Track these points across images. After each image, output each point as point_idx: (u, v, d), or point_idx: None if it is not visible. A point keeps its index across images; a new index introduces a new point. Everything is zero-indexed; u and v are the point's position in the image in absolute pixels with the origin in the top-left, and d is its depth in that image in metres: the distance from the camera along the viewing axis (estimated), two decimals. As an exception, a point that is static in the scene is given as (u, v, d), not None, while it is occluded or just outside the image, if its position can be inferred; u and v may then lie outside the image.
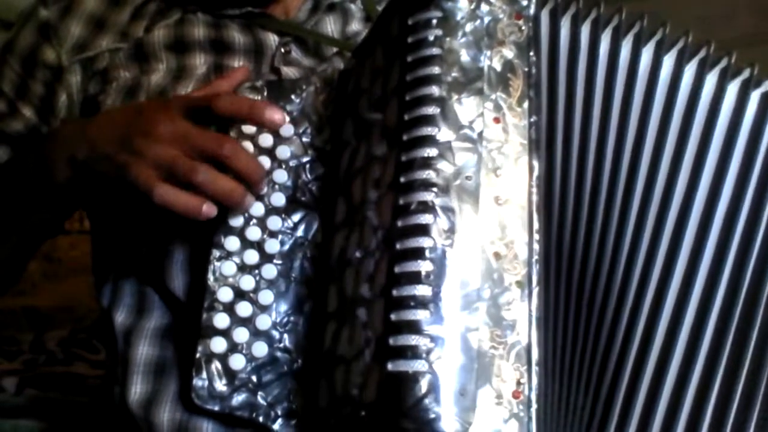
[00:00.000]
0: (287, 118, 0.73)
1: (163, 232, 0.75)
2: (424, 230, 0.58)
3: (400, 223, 0.59)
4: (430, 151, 0.60)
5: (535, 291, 0.59)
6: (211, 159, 0.66)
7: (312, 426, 0.68)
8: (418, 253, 0.58)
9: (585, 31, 0.68)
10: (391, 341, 0.57)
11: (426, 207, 0.59)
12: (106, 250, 0.84)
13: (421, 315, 0.56)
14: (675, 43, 0.68)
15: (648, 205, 0.64)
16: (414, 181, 0.59)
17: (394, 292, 0.58)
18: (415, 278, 0.57)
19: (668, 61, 0.67)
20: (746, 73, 0.69)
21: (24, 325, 1.83)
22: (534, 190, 0.61)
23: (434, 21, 0.63)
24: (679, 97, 0.66)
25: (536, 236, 0.60)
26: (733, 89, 0.68)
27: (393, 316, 0.57)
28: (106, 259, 0.83)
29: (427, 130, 0.60)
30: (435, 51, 0.62)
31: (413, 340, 0.56)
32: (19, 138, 0.84)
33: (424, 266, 0.57)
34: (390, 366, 0.56)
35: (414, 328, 0.56)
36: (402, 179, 0.60)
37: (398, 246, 0.59)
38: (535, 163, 0.62)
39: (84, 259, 0.86)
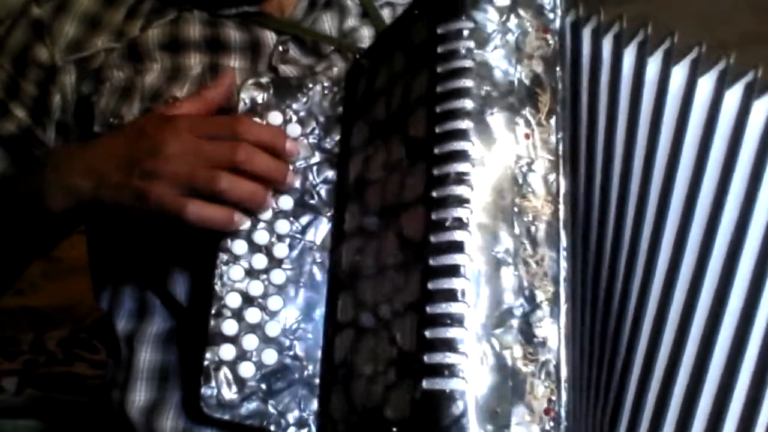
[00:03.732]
0: (298, 130, 0.72)
1: (163, 236, 0.72)
2: (459, 247, 0.58)
3: (433, 239, 0.59)
4: (464, 167, 0.59)
5: (563, 308, 0.60)
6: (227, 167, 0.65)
7: (323, 434, 0.68)
8: (453, 271, 0.57)
9: (606, 45, 0.68)
10: (426, 359, 0.56)
11: (461, 224, 0.58)
12: (104, 254, 0.81)
13: (456, 333, 0.56)
14: (715, 64, 0.68)
15: (685, 223, 0.64)
16: (448, 197, 0.59)
17: (428, 309, 0.57)
18: (451, 296, 0.57)
19: (707, 83, 0.67)
20: None
21: (24, 325, 1.78)
22: (561, 207, 0.62)
23: (466, 32, 0.62)
24: (721, 119, 0.66)
25: (563, 253, 0.61)
26: None
27: (428, 334, 0.57)
28: (104, 263, 0.80)
29: (461, 145, 0.60)
30: (467, 63, 0.61)
31: (449, 358, 0.56)
32: (12, 139, 0.80)
33: (459, 284, 0.57)
34: (425, 384, 0.56)
35: (450, 346, 0.56)
36: (434, 194, 0.59)
37: (432, 262, 0.58)
38: (563, 180, 0.62)
39: (84, 259, 0.82)
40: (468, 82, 0.61)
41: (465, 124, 0.60)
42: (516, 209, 0.60)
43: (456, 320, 0.57)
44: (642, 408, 0.63)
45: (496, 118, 0.61)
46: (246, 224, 0.69)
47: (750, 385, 0.64)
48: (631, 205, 0.65)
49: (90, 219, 0.76)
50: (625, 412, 0.63)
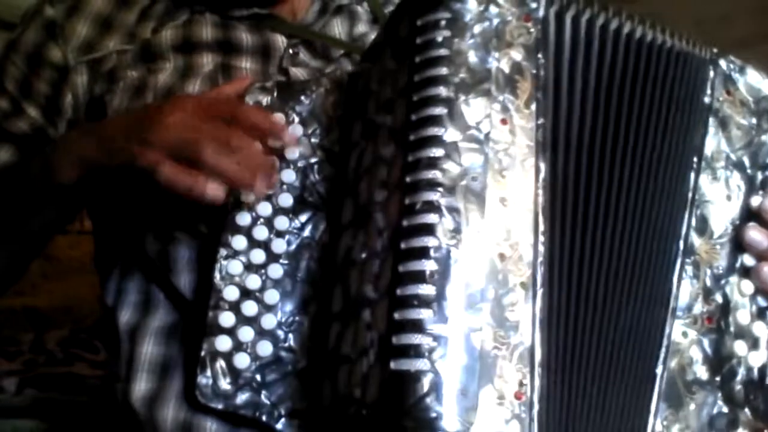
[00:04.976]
0: (300, 131, 0.74)
1: (170, 230, 0.75)
2: (429, 230, 0.58)
3: (405, 223, 0.59)
4: (437, 151, 0.60)
5: (540, 292, 0.59)
6: (227, 121, 0.66)
7: (315, 426, 0.68)
8: (422, 253, 0.58)
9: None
10: (394, 340, 0.57)
11: (431, 207, 0.59)
12: (110, 248, 0.83)
13: (424, 314, 0.56)
14: None
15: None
16: (420, 180, 0.59)
17: (398, 291, 0.58)
18: (419, 277, 0.57)
19: None
20: None
21: (24, 325, 1.81)
22: (540, 192, 0.61)
23: (443, 22, 0.63)
24: None
25: (542, 238, 0.60)
26: None
27: (397, 315, 0.57)
28: (110, 257, 0.82)
29: (434, 131, 0.60)
30: (443, 52, 0.62)
31: (416, 338, 0.56)
32: (24, 138, 0.84)
33: (429, 265, 0.57)
34: (392, 364, 0.56)
35: (417, 326, 0.56)
36: (408, 179, 0.60)
37: (403, 245, 0.59)
38: (542, 165, 0.62)
39: (84, 258, 0.86)
40: (443, 70, 0.62)
41: (439, 110, 0.61)
42: (490, 193, 0.60)
43: (423, 301, 0.57)
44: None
45: (470, 105, 0.61)
46: (220, 196, 0.66)
47: None
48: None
49: (93, 191, 0.77)
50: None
